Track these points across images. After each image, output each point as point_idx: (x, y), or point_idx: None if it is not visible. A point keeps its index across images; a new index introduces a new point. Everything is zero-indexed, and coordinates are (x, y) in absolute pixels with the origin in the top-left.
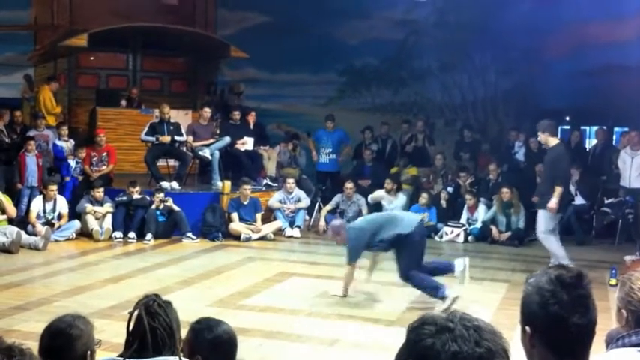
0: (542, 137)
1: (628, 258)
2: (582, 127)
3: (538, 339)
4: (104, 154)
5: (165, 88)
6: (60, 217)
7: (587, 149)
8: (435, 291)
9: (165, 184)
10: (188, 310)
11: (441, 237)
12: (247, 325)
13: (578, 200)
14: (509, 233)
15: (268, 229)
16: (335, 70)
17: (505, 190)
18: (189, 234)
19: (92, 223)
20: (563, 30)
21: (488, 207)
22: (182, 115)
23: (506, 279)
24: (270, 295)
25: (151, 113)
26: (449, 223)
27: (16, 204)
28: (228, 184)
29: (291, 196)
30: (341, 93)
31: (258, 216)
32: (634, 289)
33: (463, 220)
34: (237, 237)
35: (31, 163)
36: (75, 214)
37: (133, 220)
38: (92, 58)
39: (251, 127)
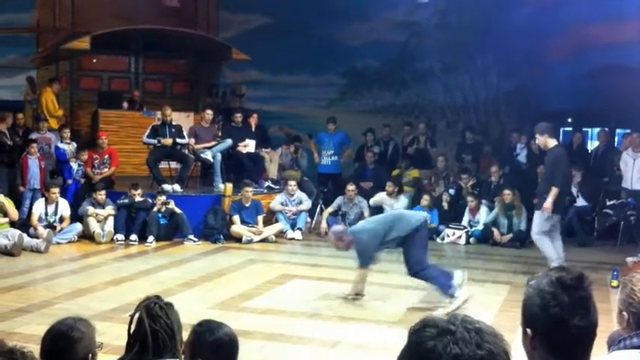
0: (540, 139)
1: (630, 260)
2: (584, 129)
3: (539, 341)
4: (106, 156)
5: (167, 91)
6: (62, 219)
7: (589, 151)
8: (447, 288)
9: (167, 187)
10: (189, 313)
11: (443, 239)
12: (249, 327)
13: (580, 202)
14: (510, 235)
15: (270, 231)
16: (336, 72)
17: (507, 191)
18: (191, 236)
19: (94, 226)
20: (564, 32)
21: (490, 209)
22: (184, 118)
23: (507, 281)
24: (271, 297)
25: (153, 115)
26: (450, 225)
27: (18, 206)
28: (229, 186)
29: (292, 198)
30: (342, 95)
31: (260, 218)
32: (635, 291)
33: (465, 222)
34: (238, 239)
35: (33, 165)
36: (77, 216)
37: (134, 223)
38: (94, 61)
39: (253, 129)
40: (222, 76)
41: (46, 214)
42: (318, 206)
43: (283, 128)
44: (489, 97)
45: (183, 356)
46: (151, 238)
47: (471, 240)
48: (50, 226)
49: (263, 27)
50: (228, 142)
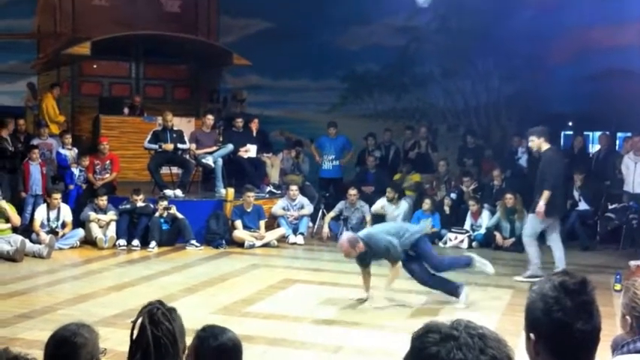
0: (536, 142)
1: (633, 263)
2: (585, 133)
3: (542, 346)
4: (107, 162)
5: (168, 96)
6: (64, 225)
7: (591, 154)
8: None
9: (168, 192)
10: (192, 318)
11: (445, 243)
12: (251, 332)
13: (582, 205)
14: (513, 239)
15: (272, 236)
16: (337, 76)
17: (509, 195)
18: (193, 241)
19: (96, 231)
20: (566, 35)
21: (492, 213)
22: (185, 123)
23: (510, 285)
24: (274, 302)
25: (154, 121)
26: (452, 229)
27: (20, 212)
28: (231, 191)
29: (294, 202)
30: (343, 99)
31: (262, 223)
32: (638, 295)
33: (467, 226)
34: (240, 244)
35: (35, 171)
36: (79, 222)
37: (136, 228)
38: (95, 66)
39: (254, 134)
40: (223, 82)
41: (48, 219)
42: (320, 211)
43: (284, 133)
44: (490, 101)
45: None
46: (153, 244)
47: (474, 244)
48: (52, 231)
49: (263, 32)
50: (230, 147)
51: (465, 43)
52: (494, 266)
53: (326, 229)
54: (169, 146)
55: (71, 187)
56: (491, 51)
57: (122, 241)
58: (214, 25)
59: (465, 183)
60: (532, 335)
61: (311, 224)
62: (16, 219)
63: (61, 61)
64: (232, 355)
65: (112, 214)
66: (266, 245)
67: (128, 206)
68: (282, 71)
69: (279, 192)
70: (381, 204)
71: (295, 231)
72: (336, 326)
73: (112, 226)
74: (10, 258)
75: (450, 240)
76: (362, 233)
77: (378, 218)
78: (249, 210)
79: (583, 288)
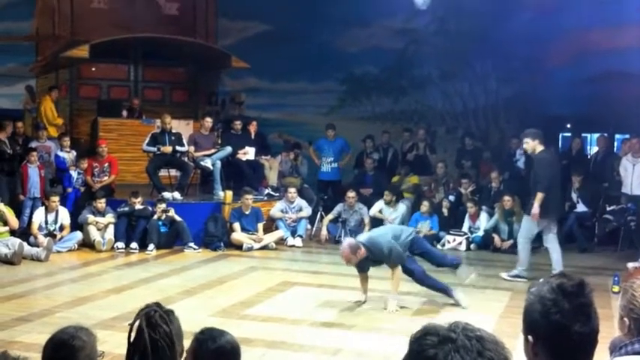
0: (530, 144)
1: (631, 265)
2: (583, 135)
3: (541, 348)
4: (106, 164)
5: (166, 99)
6: (62, 228)
7: (589, 156)
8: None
9: (167, 195)
10: (191, 321)
11: (443, 245)
12: (250, 335)
13: (581, 207)
14: (511, 241)
15: (270, 238)
16: (335, 78)
17: (507, 197)
18: (192, 244)
19: (94, 234)
20: (564, 38)
21: (490, 215)
22: (183, 125)
23: (508, 287)
24: (272, 304)
25: (153, 123)
26: (451, 232)
27: (18, 215)
28: (229, 193)
29: (292, 205)
30: (341, 102)
31: (260, 225)
32: (636, 297)
33: (465, 228)
34: (239, 247)
35: (33, 174)
36: (77, 225)
37: (135, 231)
38: (93, 69)
39: (252, 136)
40: (222, 84)
41: (46, 222)
42: (318, 213)
43: (282, 135)
44: (489, 103)
45: None
46: (151, 246)
47: (472, 246)
48: (50, 234)
49: (262, 34)
50: (228, 149)
51: (463, 46)
52: (492, 268)
53: (324, 232)
54: (168, 149)
55: (69, 189)
56: (490, 53)
57: (120, 244)
58: (213, 27)
59: (464, 185)
60: (530, 337)
61: (309, 227)
62: (14, 222)
63: (59, 64)
64: (231, 358)
65: (110, 217)
66: (264, 248)
67: (126, 209)
68: (280, 74)
69: (277, 194)
70: (378, 207)
71: (293, 233)
72: (334, 329)
73: (110, 229)
74: (8, 261)
75: (448, 242)
76: (363, 238)
77: (376, 221)
78: (247, 212)
79: (581, 290)
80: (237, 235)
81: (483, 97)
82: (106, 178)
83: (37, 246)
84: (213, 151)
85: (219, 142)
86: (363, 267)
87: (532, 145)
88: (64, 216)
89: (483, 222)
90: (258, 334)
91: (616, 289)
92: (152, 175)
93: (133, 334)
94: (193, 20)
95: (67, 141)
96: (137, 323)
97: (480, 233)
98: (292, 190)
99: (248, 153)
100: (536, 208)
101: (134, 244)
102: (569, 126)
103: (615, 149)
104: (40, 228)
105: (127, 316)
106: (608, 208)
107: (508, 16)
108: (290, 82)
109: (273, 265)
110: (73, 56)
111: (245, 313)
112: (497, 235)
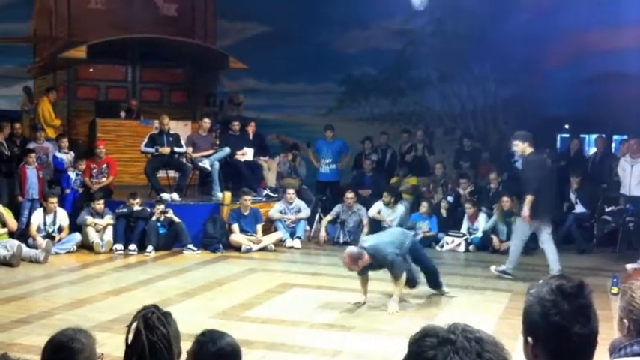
0: (520, 146)
1: (629, 266)
2: (582, 136)
3: (540, 349)
4: (104, 165)
5: (164, 100)
6: (60, 229)
7: (587, 157)
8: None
9: (165, 196)
10: (190, 322)
11: (442, 246)
12: (250, 336)
13: (579, 208)
14: (509, 242)
15: (269, 239)
16: (334, 79)
17: (505, 199)
18: (190, 245)
19: (93, 236)
20: (562, 39)
21: (489, 216)
22: (182, 126)
23: (508, 288)
24: (272, 306)
25: (151, 124)
26: (449, 233)
27: (17, 217)
28: (228, 195)
29: (291, 206)
30: (340, 103)
31: (259, 227)
32: (635, 298)
33: (464, 229)
34: (237, 248)
35: (32, 175)
36: (75, 226)
37: (133, 232)
38: (91, 70)
39: (251, 137)
40: (220, 85)
41: (45, 224)
42: (317, 214)
43: (280, 136)
44: (487, 105)
45: None
46: (150, 248)
47: (471, 247)
48: (49, 236)
49: (260, 35)
50: (226, 150)
51: (461, 47)
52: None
53: (323, 233)
54: (166, 150)
55: (68, 191)
56: (488, 54)
57: (119, 246)
58: (211, 28)
59: (462, 186)
60: (530, 339)
61: (308, 228)
62: (13, 223)
63: (57, 65)
64: None
65: (108, 219)
66: (263, 249)
67: (125, 210)
68: (278, 75)
69: (276, 195)
70: (377, 208)
71: (292, 235)
72: (334, 330)
73: (109, 231)
74: (6, 263)
75: (447, 243)
76: (367, 244)
77: (375, 222)
78: (246, 214)
79: (580, 291)
80: (236, 237)
81: (482, 99)
82: (104, 179)
83: (36, 248)
84: (211, 152)
85: (218, 143)
86: (363, 270)
87: (522, 147)
88: (63, 217)
89: (482, 223)
90: (258, 336)
91: (615, 290)
92: (150, 176)
93: (130, 336)
94: (192, 21)
95: (65, 142)
96: (135, 325)
97: (479, 234)
98: (291, 191)
99: (246, 154)
100: (525, 211)
101: (133, 246)
102: (567, 127)
103: (613, 150)
104: (38, 229)
105: (126, 317)
106: (606, 209)
107: (506, 18)
108: (288, 83)
109: (272, 267)
110: (70, 57)
111: (245, 315)
112: (496, 236)
